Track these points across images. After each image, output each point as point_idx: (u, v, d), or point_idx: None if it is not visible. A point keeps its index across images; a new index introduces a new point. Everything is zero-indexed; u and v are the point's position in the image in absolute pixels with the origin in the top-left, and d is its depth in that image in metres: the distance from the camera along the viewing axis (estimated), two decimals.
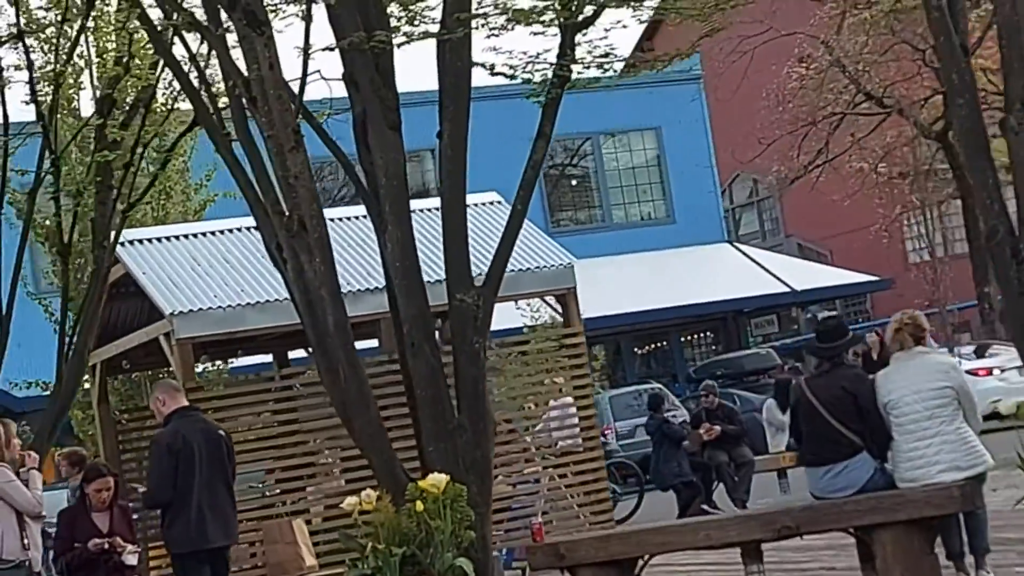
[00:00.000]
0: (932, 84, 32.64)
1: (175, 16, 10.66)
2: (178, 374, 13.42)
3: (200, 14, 10.57)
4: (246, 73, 9.85)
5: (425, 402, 9.97)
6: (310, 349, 14.58)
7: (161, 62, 13.17)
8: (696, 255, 36.47)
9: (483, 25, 10.15)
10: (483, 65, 10.39)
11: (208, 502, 9.99)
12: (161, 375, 16.12)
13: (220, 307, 13.80)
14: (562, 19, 10.21)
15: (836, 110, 31.96)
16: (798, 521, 8.97)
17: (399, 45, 9.95)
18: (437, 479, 9.37)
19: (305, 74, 9.94)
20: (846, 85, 31.82)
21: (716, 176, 38.77)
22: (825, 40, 31.30)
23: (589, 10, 10.26)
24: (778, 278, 36.44)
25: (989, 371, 25.75)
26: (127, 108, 14.61)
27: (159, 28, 11.39)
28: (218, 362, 18.80)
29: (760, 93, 32.48)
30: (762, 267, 37.21)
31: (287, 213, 9.93)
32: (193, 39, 11.53)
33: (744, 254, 38.29)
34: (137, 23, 12.68)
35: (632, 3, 10.64)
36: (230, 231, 15.12)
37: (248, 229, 14.39)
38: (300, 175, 9.75)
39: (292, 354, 16.05)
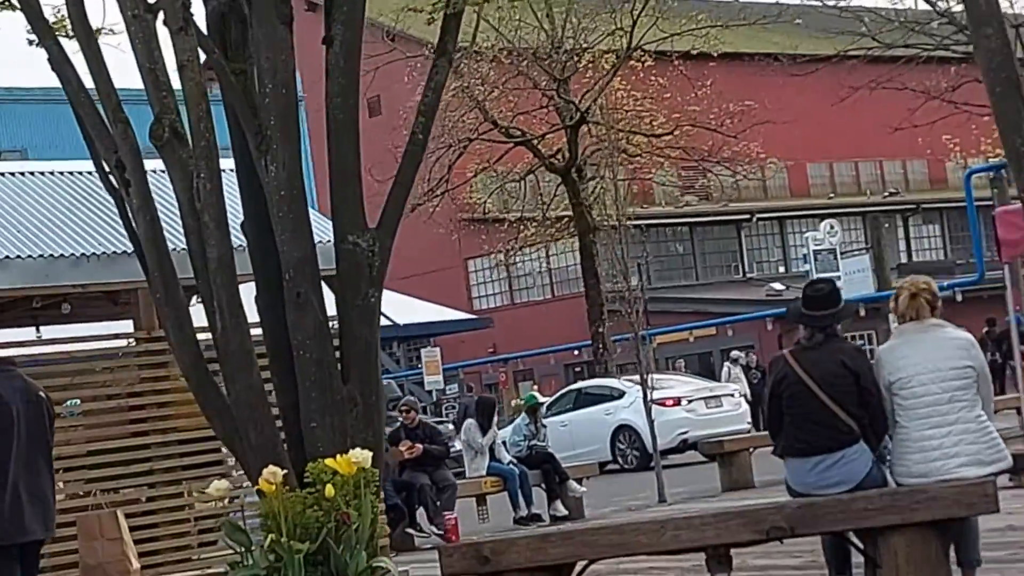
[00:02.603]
0: (554, 119, 32.40)
1: None
2: None
3: None
4: None
5: (309, 367, 7.99)
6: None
7: None
8: None
9: None
10: None
11: (26, 483, 7.61)
12: None
13: None
14: None
15: (461, 136, 31.13)
16: (792, 520, 7.58)
17: None
18: (359, 456, 7.46)
19: None
20: (471, 110, 31.08)
21: (315, 202, 37.14)
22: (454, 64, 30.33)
23: None
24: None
25: (677, 401, 25.14)
26: None
27: None
28: None
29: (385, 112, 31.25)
30: None
31: (157, 118, 7.80)
32: None
33: None
34: None
35: None
36: None
37: None
38: (189, 63, 7.64)
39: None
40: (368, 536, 7.47)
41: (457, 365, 41.59)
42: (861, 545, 7.79)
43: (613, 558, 8.24)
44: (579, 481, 18.29)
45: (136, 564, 8.30)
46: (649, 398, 18.96)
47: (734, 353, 34.62)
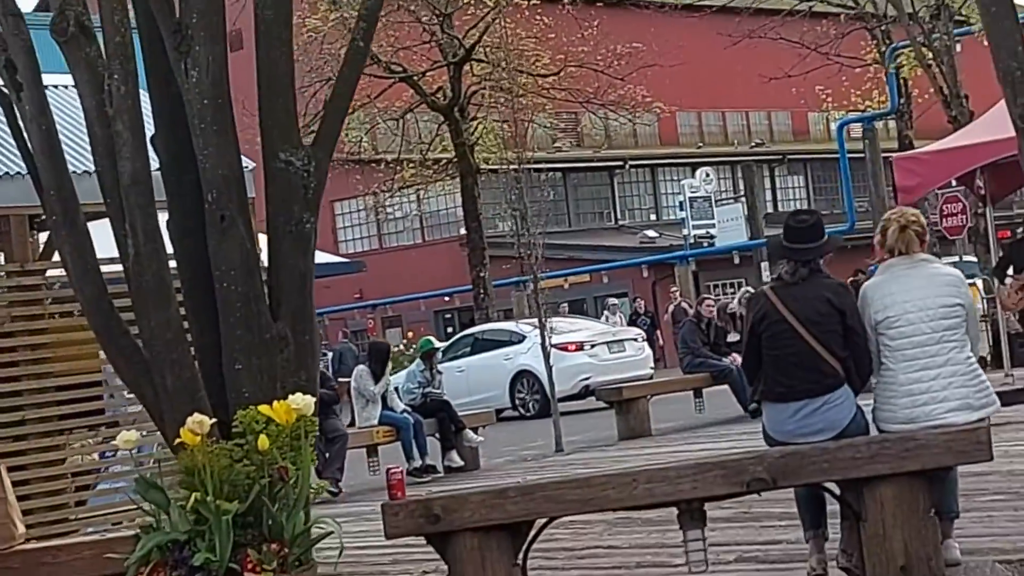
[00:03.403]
0: (436, 56, 31.38)
1: None
2: None
3: None
4: None
5: (234, 300, 7.02)
6: None
7: None
8: None
9: None
10: None
11: None
12: None
13: None
14: None
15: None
16: (774, 471, 6.82)
17: None
18: (300, 401, 6.51)
19: None
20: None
21: None
22: None
23: None
24: None
25: (579, 346, 24.22)
26: None
27: None
28: None
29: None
30: None
31: (60, 9, 6.74)
32: None
33: None
34: None
35: None
36: None
37: None
38: None
39: None
40: (306, 494, 6.55)
41: (322, 311, 40.41)
42: (838, 495, 7.06)
43: (578, 515, 7.42)
44: (475, 430, 17.41)
45: (22, 528, 7.27)
46: (548, 342, 18.13)
47: (611, 300, 34.02)
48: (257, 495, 6.39)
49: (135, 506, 10.16)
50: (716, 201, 42.02)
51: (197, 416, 6.39)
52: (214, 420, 6.44)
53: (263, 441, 6.41)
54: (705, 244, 40.69)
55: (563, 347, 22.91)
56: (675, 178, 51.71)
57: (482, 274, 30.72)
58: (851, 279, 34.88)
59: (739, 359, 18.87)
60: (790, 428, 7.15)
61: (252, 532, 6.38)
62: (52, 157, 7.09)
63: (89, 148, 7.32)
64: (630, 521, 10.01)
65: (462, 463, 16.92)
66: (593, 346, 24.69)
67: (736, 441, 16.07)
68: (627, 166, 50.66)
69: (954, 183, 19.78)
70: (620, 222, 50.23)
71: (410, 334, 39.04)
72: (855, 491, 6.83)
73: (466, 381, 24.60)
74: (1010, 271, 18.05)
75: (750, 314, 7.31)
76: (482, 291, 30.84)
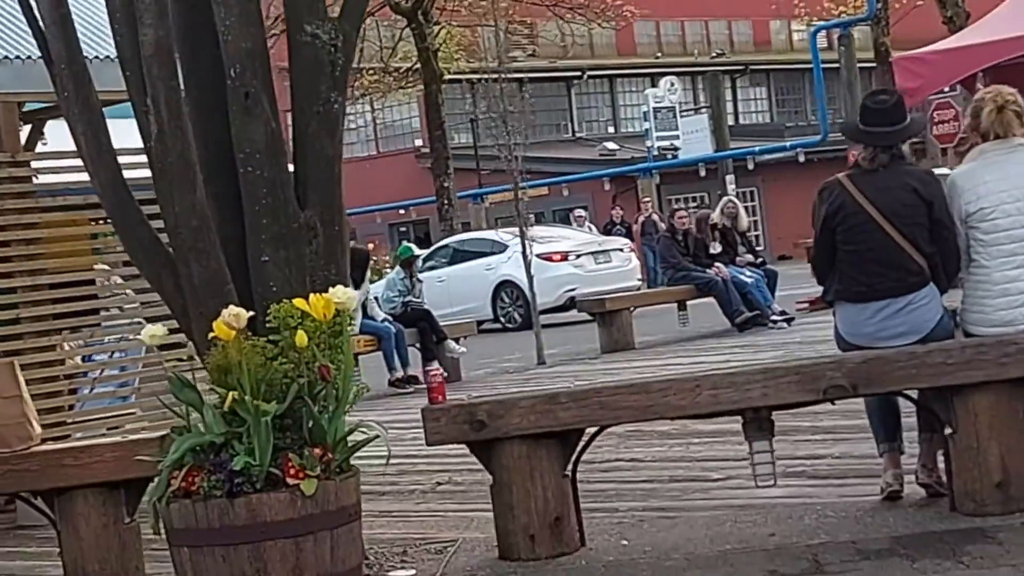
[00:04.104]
0: None
1: None
2: None
3: None
4: None
5: (260, 186, 6.41)
6: None
7: None
8: None
9: None
10: None
11: None
12: None
13: None
14: None
15: None
16: (854, 378, 6.29)
17: None
18: (342, 295, 5.94)
19: None
20: None
21: None
22: None
23: None
24: None
25: (564, 256, 23.53)
26: None
27: None
28: None
29: None
30: None
31: None
32: None
33: None
34: None
35: None
36: None
37: None
38: None
39: None
40: (349, 395, 5.98)
41: None
42: (921, 404, 6.54)
43: (633, 423, 6.90)
44: (456, 341, 16.87)
45: (38, 428, 6.67)
46: (530, 252, 17.54)
47: (578, 211, 33.43)
48: (296, 396, 5.83)
49: (126, 411, 9.69)
50: (680, 112, 41.40)
51: (233, 308, 5.79)
52: (252, 313, 5.85)
53: (301, 337, 5.82)
54: (669, 156, 40.10)
55: (547, 257, 22.21)
56: (633, 89, 51.08)
57: (446, 184, 30.04)
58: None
59: (724, 270, 18.43)
60: (869, 331, 6.56)
61: (291, 436, 5.82)
62: (63, 26, 6.44)
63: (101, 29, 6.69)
64: (643, 434, 9.52)
65: (445, 374, 16.36)
66: (578, 256, 23.93)
67: (728, 355, 15.62)
68: (585, 76, 49.92)
69: (951, 88, 19.26)
70: (578, 134, 49.56)
71: (371, 246, 38.36)
72: (943, 401, 6.32)
73: (447, 292, 23.77)
74: None
75: (822, 206, 6.70)
76: (446, 202, 30.18)
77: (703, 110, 42.90)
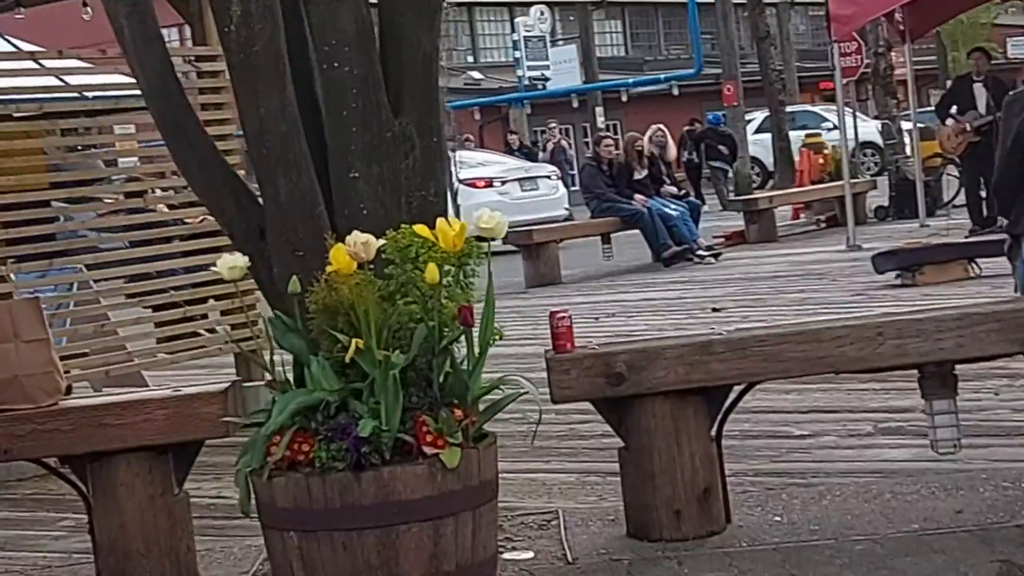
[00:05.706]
0: None
1: None
2: None
3: None
4: None
5: (348, 87, 5.21)
6: None
7: None
8: None
9: None
10: None
11: None
12: None
13: None
14: None
15: None
16: None
17: None
18: (487, 221, 4.82)
19: None
20: None
21: None
22: None
23: None
24: None
25: (488, 182, 22.16)
26: None
27: None
28: None
29: None
30: None
31: None
32: None
33: None
34: None
35: None
36: None
37: None
38: None
39: None
40: (487, 343, 4.86)
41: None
42: None
43: (799, 377, 5.89)
44: None
45: (64, 380, 5.40)
46: (455, 177, 16.40)
47: (465, 137, 32.25)
48: (424, 345, 4.69)
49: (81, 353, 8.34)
50: (551, 42, 40.36)
51: (359, 235, 4.61)
52: (382, 243, 4.68)
53: (432, 272, 4.67)
54: (539, 87, 39.03)
55: (471, 183, 20.95)
56: (494, 18, 49.99)
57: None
58: (687, 128, 33.93)
59: (648, 201, 17.52)
60: None
61: (418, 393, 4.68)
62: None
63: None
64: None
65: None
66: (504, 183, 22.58)
67: (663, 290, 14.86)
68: (444, 3, 48.54)
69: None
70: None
71: None
72: None
73: None
74: (953, 110, 17.01)
75: (1013, 120, 5.73)
76: None
77: (572, 41, 41.88)
